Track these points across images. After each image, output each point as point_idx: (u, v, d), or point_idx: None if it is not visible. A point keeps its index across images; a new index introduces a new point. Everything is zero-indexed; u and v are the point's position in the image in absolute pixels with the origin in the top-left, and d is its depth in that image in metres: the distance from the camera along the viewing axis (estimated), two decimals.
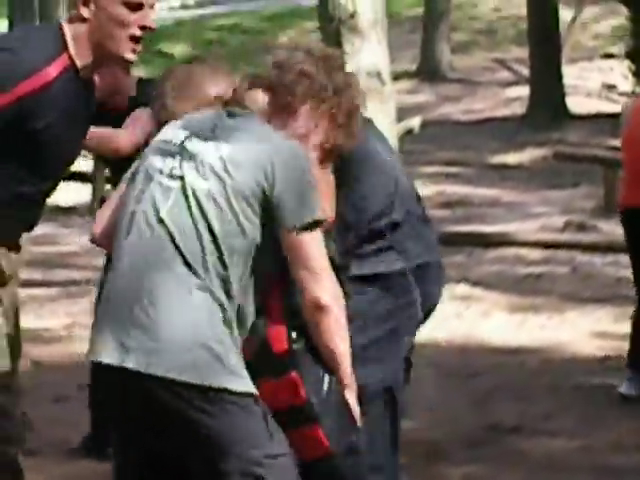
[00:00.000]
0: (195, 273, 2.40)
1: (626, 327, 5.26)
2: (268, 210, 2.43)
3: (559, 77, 14.62)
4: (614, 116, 8.69)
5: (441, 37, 17.05)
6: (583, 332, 6.17)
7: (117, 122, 4.16)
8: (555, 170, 11.79)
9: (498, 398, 5.05)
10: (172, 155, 2.51)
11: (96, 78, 3.02)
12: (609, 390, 5.02)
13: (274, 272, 2.52)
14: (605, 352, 5.68)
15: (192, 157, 2.48)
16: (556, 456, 4.34)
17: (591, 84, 16.38)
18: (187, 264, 2.40)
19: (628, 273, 5.42)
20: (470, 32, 18.91)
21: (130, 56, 2.82)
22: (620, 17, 15.52)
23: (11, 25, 17.95)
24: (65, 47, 2.84)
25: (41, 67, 2.80)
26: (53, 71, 2.82)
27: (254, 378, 2.43)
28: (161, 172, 2.50)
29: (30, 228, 3.00)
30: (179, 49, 18.04)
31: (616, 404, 4.90)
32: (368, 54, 5.63)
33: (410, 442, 4.32)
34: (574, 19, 17.02)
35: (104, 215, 2.70)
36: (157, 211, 2.45)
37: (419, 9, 17.64)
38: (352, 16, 5.50)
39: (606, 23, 17.98)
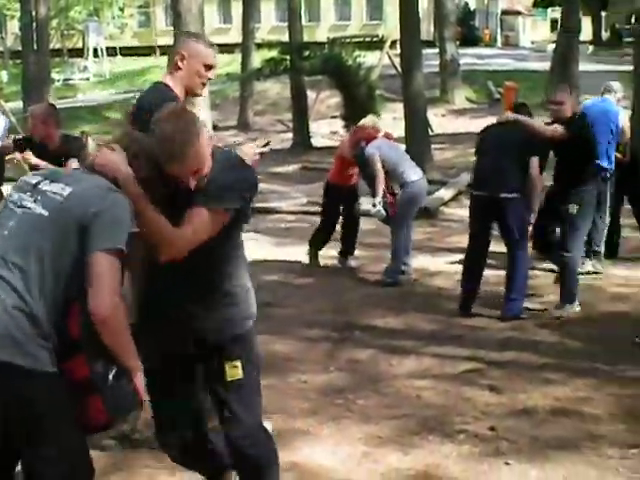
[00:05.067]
0: (13, 279, 2.70)
1: None
2: (85, 236, 2.70)
3: (307, 127, 20.79)
4: (337, 147, 9.94)
5: None
6: None
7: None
8: (304, 175, 15.94)
9: None
10: (24, 191, 2.89)
11: None
12: None
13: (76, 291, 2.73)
14: None
15: (40, 193, 2.83)
16: None
17: (324, 131, 21.84)
18: (10, 270, 2.71)
19: None
20: None
21: (201, 93, 3.80)
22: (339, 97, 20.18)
23: None
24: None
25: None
26: None
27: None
28: (13, 203, 2.87)
29: None
30: None
31: None
32: None
33: None
34: (316, 96, 22.76)
35: None
36: (3, 227, 2.82)
37: None
38: None
39: (333, 100, 22.38)
